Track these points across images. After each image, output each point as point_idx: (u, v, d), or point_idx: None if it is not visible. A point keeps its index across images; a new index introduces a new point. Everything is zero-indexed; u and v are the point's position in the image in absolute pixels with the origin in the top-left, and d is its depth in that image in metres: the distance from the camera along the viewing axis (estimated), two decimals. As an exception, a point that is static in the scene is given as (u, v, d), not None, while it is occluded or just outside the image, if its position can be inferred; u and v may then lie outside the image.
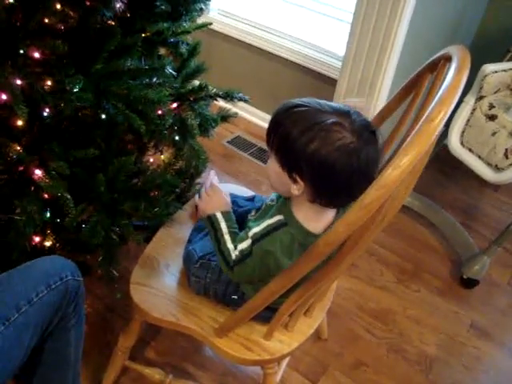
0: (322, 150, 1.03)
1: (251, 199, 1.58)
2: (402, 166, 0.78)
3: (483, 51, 2.37)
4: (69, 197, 1.36)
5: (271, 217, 1.18)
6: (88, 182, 1.41)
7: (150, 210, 1.50)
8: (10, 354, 1.05)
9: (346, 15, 2.59)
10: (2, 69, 1.19)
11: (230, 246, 1.25)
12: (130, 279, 1.42)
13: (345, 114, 1.06)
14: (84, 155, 1.38)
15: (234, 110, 1.81)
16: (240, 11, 2.96)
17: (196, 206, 1.63)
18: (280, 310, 1.21)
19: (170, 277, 1.45)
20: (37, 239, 1.48)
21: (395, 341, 1.98)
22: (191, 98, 1.62)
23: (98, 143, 1.46)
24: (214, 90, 1.68)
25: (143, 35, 1.47)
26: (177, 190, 1.76)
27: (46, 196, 1.39)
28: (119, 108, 1.33)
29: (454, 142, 2.17)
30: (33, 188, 1.37)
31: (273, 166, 1.15)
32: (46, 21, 1.27)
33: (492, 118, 2.06)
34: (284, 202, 1.20)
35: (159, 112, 1.48)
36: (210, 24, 1.71)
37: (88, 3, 1.30)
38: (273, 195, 1.27)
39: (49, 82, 1.27)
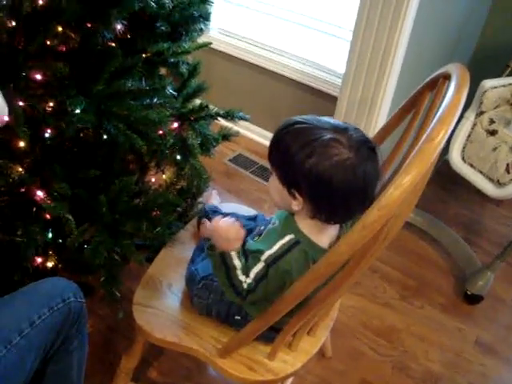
0: (319, 165, 1.04)
1: (253, 218, 1.58)
2: (403, 186, 0.78)
3: (482, 66, 2.38)
4: (71, 217, 1.36)
5: (282, 237, 1.17)
6: (90, 203, 1.41)
7: (151, 230, 1.50)
8: (12, 378, 1.05)
9: (345, 33, 2.60)
10: (4, 91, 1.20)
11: (241, 278, 1.20)
12: (133, 300, 1.41)
13: (342, 130, 1.07)
14: (86, 176, 1.38)
15: (235, 128, 1.81)
16: (240, 30, 2.98)
17: (198, 226, 1.63)
18: (283, 329, 1.21)
19: (172, 297, 1.45)
20: (39, 260, 1.48)
21: (400, 358, 1.97)
22: (192, 118, 1.63)
23: (99, 164, 1.46)
24: (215, 109, 1.69)
25: (144, 56, 1.48)
26: (178, 209, 1.76)
27: (47, 217, 1.39)
28: (120, 129, 1.34)
29: (455, 158, 2.17)
30: (34, 209, 1.37)
31: (274, 182, 1.16)
32: (48, 43, 1.28)
33: (492, 133, 2.07)
34: (289, 220, 1.19)
35: (160, 132, 1.48)
36: (210, 44, 1.72)
37: (89, 25, 1.32)
38: (273, 218, 1.27)
39: (50, 104, 1.28)
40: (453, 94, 0.89)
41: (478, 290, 2.19)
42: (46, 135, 1.32)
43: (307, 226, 1.16)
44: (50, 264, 1.50)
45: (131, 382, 1.59)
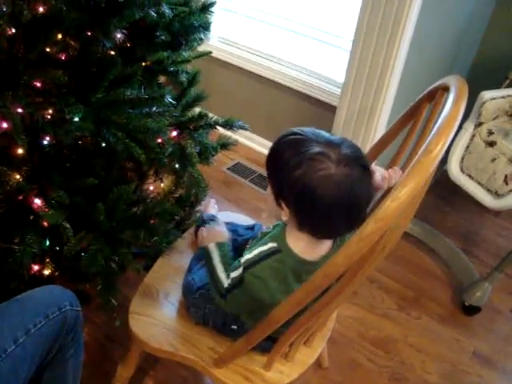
0: (305, 177, 1.04)
1: (252, 228, 1.58)
2: (400, 198, 0.78)
3: (481, 78, 2.39)
4: (68, 225, 1.36)
5: (265, 244, 1.18)
6: (87, 211, 1.40)
7: (149, 238, 1.50)
8: (7, 387, 1.04)
9: (345, 43, 2.61)
10: (4, 98, 1.20)
11: (221, 275, 1.27)
12: (129, 309, 1.41)
13: (335, 145, 1.05)
14: (84, 184, 1.38)
15: (234, 137, 1.81)
16: (240, 39, 2.99)
17: (196, 234, 1.63)
18: (280, 340, 1.20)
19: (169, 306, 1.44)
20: (36, 268, 1.47)
21: (397, 369, 1.96)
22: (191, 127, 1.63)
23: (97, 172, 1.46)
24: (214, 118, 1.69)
25: (143, 64, 1.49)
26: (176, 217, 1.76)
27: (45, 224, 1.39)
28: (119, 137, 1.34)
29: (453, 169, 2.18)
30: (32, 217, 1.36)
31: (269, 191, 1.17)
32: (47, 50, 1.28)
33: (491, 144, 2.07)
34: (280, 230, 1.20)
35: (159, 140, 1.48)
36: (210, 53, 1.72)
37: (89, 33, 1.32)
38: (270, 228, 1.27)
39: (49, 111, 1.28)
40: (451, 106, 0.89)
41: (475, 301, 2.19)
42: (45, 143, 1.32)
43: (294, 238, 1.15)
44: (46, 272, 1.49)
45: (127, 391, 1.58)
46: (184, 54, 1.57)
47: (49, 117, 1.28)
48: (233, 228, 1.57)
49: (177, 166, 1.63)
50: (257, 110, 3.05)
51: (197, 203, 1.88)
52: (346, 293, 1.04)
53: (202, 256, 1.48)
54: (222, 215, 1.74)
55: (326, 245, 1.18)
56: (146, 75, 1.48)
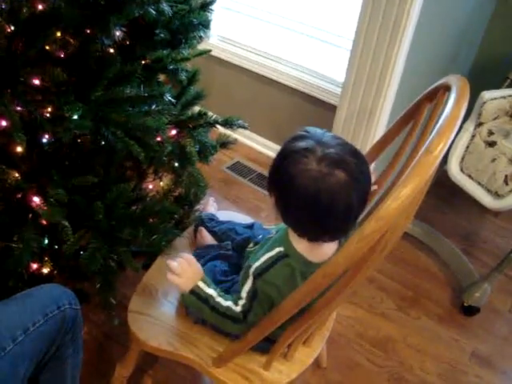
0: (287, 167, 1.05)
1: (250, 226, 1.58)
2: (401, 198, 0.77)
3: (481, 78, 2.38)
4: (67, 224, 1.35)
5: (271, 249, 1.17)
6: (86, 209, 1.40)
7: (148, 237, 1.49)
8: (5, 386, 1.04)
9: (345, 42, 2.60)
10: (2, 96, 1.19)
11: (226, 304, 1.23)
12: (128, 307, 1.41)
13: (324, 144, 1.04)
14: (83, 182, 1.37)
15: (234, 136, 1.81)
16: (240, 37, 2.98)
17: (195, 234, 1.63)
18: (279, 339, 1.20)
19: (168, 305, 1.44)
20: (34, 266, 1.47)
21: (396, 369, 1.96)
22: (190, 125, 1.62)
23: (96, 170, 1.45)
24: (214, 116, 1.68)
25: (143, 62, 1.48)
26: (175, 216, 1.76)
27: (43, 223, 1.38)
28: (118, 135, 1.33)
29: (453, 169, 2.17)
30: (31, 215, 1.36)
31: None
32: (47, 48, 1.28)
33: (491, 144, 2.06)
34: (283, 233, 1.19)
35: (158, 139, 1.48)
36: (210, 51, 1.72)
37: (88, 31, 1.31)
38: (273, 229, 1.27)
39: (48, 109, 1.28)
40: (452, 106, 0.88)
41: (474, 302, 2.19)
42: (44, 141, 1.32)
43: (300, 240, 1.15)
44: (45, 270, 1.49)
45: (125, 390, 1.58)
46: (184, 52, 1.56)
47: (48, 115, 1.28)
48: (231, 227, 1.57)
49: (176, 164, 1.62)
50: (257, 109, 3.05)
51: (196, 202, 1.87)
52: (345, 293, 1.03)
53: (202, 253, 1.48)
54: (221, 214, 1.74)
55: (329, 247, 1.17)
56: (146, 73, 1.47)
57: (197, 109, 1.68)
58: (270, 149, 3.05)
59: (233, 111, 1.92)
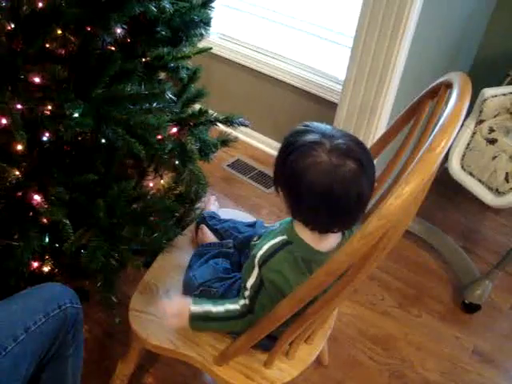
0: (295, 163, 1.04)
1: (252, 225, 1.57)
2: (403, 196, 0.77)
3: (482, 75, 2.37)
4: (68, 222, 1.35)
5: (275, 237, 1.18)
6: (87, 207, 1.40)
7: (149, 235, 1.49)
8: (6, 385, 1.04)
9: (346, 40, 2.60)
10: (2, 94, 1.19)
11: (224, 308, 1.26)
12: (129, 305, 1.41)
13: (330, 136, 1.05)
14: (83, 180, 1.37)
15: (235, 134, 1.80)
16: (240, 35, 2.98)
17: (196, 231, 1.62)
18: (281, 338, 1.20)
19: (169, 304, 1.44)
20: (35, 265, 1.47)
21: (397, 367, 1.96)
22: (191, 123, 1.62)
23: (97, 168, 1.45)
24: (214, 114, 1.68)
25: (143, 60, 1.48)
26: (176, 214, 1.76)
27: (44, 221, 1.38)
28: (119, 133, 1.33)
29: (454, 166, 2.17)
30: (31, 213, 1.36)
31: None
32: (47, 46, 1.28)
33: (492, 141, 2.06)
34: (288, 223, 1.19)
35: (159, 137, 1.47)
36: (210, 49, 1.71)
37: (88, 29, 1.31)
38: (277, 223, 1.27)
39: (49, 107, 1.27)
40: (455, 103, 0.88)
41: (475, 299, 2.18)
42: (44, 139, 1.32)
43: (302, 229, 1.15)
44: (46, 269, 1.48)
45: (127, 388, 1.58)
46: (184, 49, 1.56)
47: (48, 112, 1.27)
48: (233, 225, 1.57)
49: (177, 162, 1.62)
50: (257, 106, 3.04)
51: (197, 200, 1.87)
52: (347, 291, 1.03)
53: (203, 251, 1.48)
54: (223, 212, 1.73)
55: (334, 237, 1.18)
56: (146, 71, 1.47)
57: (197, 106, 1.68)
58: (270, 146, 3.04)
59: (233, 108, 1.92)
